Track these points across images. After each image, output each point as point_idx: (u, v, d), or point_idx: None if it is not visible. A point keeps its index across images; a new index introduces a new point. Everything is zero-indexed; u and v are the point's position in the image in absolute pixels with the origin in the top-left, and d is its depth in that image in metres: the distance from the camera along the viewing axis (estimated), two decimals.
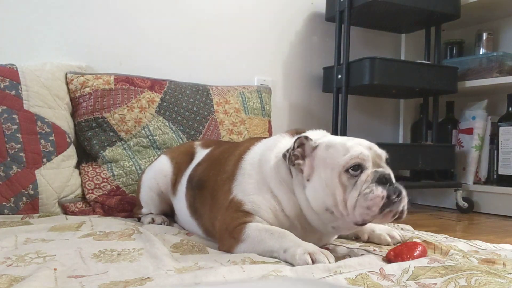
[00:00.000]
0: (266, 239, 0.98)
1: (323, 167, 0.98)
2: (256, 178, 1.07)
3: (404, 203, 0.96)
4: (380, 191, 0.93)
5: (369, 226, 1.20)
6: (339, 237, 1.22)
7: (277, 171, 1.05)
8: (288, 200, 1.04)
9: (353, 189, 0.94)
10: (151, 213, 1.45)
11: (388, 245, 1.15)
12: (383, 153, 1.01)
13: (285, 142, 1.10)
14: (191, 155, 1.42)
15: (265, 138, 1.20)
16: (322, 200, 0.98)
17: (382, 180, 0.94)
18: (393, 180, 0.96)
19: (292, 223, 1.05)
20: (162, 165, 1.43)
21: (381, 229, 1.20)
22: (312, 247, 0.94)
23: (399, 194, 0.94)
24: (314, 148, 1.01)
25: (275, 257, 0.95)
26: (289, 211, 1.04)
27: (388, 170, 0.98)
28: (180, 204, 1.33)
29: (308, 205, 1.01)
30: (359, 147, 0.97)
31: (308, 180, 1.00)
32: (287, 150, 1.02)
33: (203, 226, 1.22)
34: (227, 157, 1.19)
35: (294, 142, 1.01)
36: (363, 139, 1.03)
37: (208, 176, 1.22)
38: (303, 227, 1.05)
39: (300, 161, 1.01)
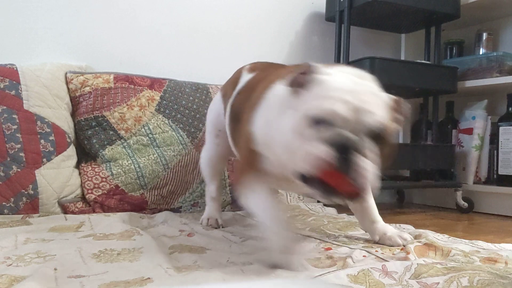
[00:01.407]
0: (265, 218, 1.00)
1: (301, 102, 0.87)
2: (276, 111, 0.96)
3: (361, 180, 0.79)
4: (329, 156, 0.77)
5: (382, 228, 1.19)
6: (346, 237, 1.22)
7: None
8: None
9: (303, 138, 0.82)
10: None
11: (399, 246, 1.13)
12: (374, 123, 0.81)
13: None
14: (236, 83, 1.32)
15: None
16: (285, 133, 0.87)
17: (340, 147, 0.78)
18: (357, 154, 0.78)
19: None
20: (214, 105, 1.47)
21: (393, 232, 1.19)
22: (287, 249, 0.92)
23: (351, 173, 0.78)
24: (312, 82, 0.88)
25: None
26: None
27: (358, 141, 0.79)
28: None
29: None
30: (339, 103, 0.80)
31: (295, 109, 0.89)
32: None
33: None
34: (259, 84, 1.09)
35: (301, 67, 0.90)
36: (374, 96, 0.86)
37: (241, 107, 1.13)
38: None
39: (298, 88, 0.90)
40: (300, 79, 0.88)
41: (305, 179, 0.82)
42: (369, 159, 0.80)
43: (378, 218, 1.23)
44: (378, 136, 0.82)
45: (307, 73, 0.88)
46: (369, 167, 0.79)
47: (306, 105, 0.84)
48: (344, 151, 0.78)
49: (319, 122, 0.81)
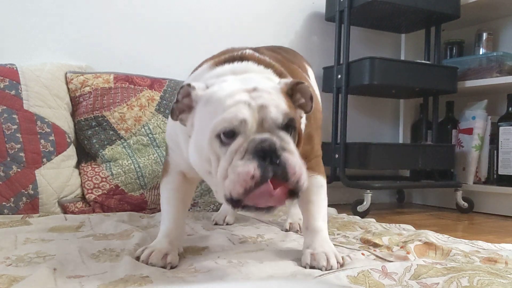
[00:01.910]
0: (162, 210, 1.03)
1: (199, 127, 0.82)
2: (182, 138, 0.93)
3: (291, 182, 0.75)
4: (250, 168, 0.73)
5: (310, 239, 0.99)
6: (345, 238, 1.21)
7: None
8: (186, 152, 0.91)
9: (223, 159, 0.77)
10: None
11: (320, 269, 0.92)
12: (277, 114, 0.77)
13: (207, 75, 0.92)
14: None
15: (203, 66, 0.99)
16: (200, 163, 0.83)
17: (258, 151, 0.74)
18: (278, 151, 0.74)
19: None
20: None
21: (325, 249, 0.97)
22: (160, 247, 0.94)
23: (280, 173, 0.74)
24: (197, 102, 0.84)
25: None
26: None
27: (273, 139, 0.75)
28: None
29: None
30: (237, 107, 0.77)
31: (190, 136, 0.86)
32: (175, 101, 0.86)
33: None
34: None
35: (178, 93, 0.85)
36: (264, 90, 0.80)
37: None
38: None
39: (184, 115, 0.86)
40: (180, 107, 0.85)
41: (235, 203, 0.76)
42: (292, 152, 0.77)
43: (314, 222, 1.01)
44: (288, 127, 0.79)
45: (185, 96, 0.85)
46: (296, 160, 0.76)
47: (206, 125, 0.79)
48: (265, 155, 0.74)
49: (227, 135, 0.77)
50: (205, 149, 0.79)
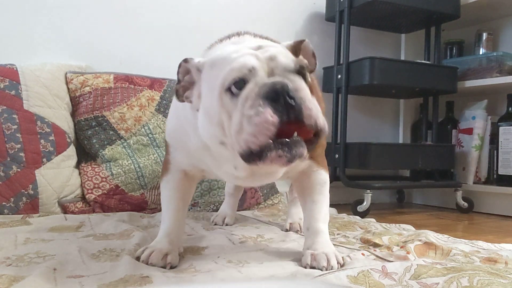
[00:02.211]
0: (163, 209, 1.02)
1: (208, 90, 0.79)
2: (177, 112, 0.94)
3: (310, 123, 0.70)
4: (266, 115, 0.68)
5: (311, 240, 0.97)
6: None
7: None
8: (194, 137, 0.88)
9: (235, 113, 0.73)
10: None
11: (320, 269, 0.90)
12: (287, 61, 0.75)
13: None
14: None
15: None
16: (211, 132, 0.79)
17: (271, 94, 0.70)
18: (292, 92, 0.70)
19: (214, 158, 0.88)
20: None
21: (325, 250, 0.95)
22: (160, 247, 0.92)
23: (297, 114, 0.70)
24: (200, 70, 0.83)
25: None
26: (198, 151, 0.90)
27: (285, 80, 0.72)
28: None
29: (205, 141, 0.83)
30: (244, 57, 0.75)
31: (198, 110, 0.83)
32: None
33: None
34: None
35: (178, 73, 0.84)
36: (269, 45, 0.79)
37: None
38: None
39: (189, 92, 0.84)
40: (184, 86, 0.84)
41: (256, 156, 0.71)
42: (308, 93, 0.73)
43: (315, 223, 0.98)
44: (300, 73, 0.75)
45: (185, 74, 0.83)
46: (313, 101, 0.72)
47: (215, 83, 0.76)
48: (278, 98, 0.70)
49: (237, 86, 0.73)
50: (216, 111, 0.76)
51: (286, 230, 1.32)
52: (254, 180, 0.90)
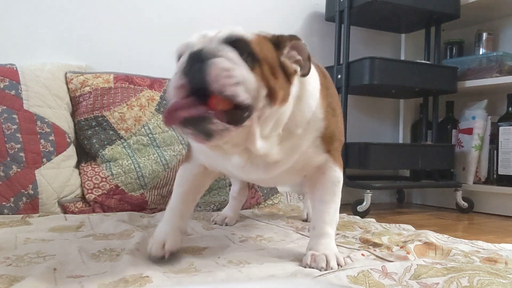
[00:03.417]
0: (173, 192, 1.05)
1: None
2: None
3: (215, 88, 0.68)
4: (174, 78, 0.71)
5: (315, 241, 0.97)
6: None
7: None
8: None
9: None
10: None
11: (319, 269, 0.89)
12: (224, 33, 0.76)
13: None
14: None
15: None
16: None
17: (183, 61, 0.72)
18: (203, 55, 0.71)
19: None
20: None
21: (327, 251, 0.93)
22: (158, 238, 0.96)
23: (198, 78, 0.69)
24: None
25: None
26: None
27: (211, 48, 0.73)
28: None
29: None
30: (191, 36, 0.81)
31: None
32: None
33: None
34: None
35: None
36: (234, 27, 0.80)
37: None
38: None
39: None
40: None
41: (174, 119, 0.70)
42: (229, 59, 0.72)
43: (322, 226, 0.97)
44: (235, 46, 0.74)
45: None
46: (229, 65, 0.70)
47: None
48: (188, 62, 0.71)
49: (178, 62, 0.75)
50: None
51: (304, 220, 1.39)
52: (263, 170, 0.89)
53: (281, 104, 0.80)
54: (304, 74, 0.85)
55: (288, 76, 0.82)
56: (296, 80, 0.86)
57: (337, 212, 1.00)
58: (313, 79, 0.91)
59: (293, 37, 0.84)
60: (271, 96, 0.77)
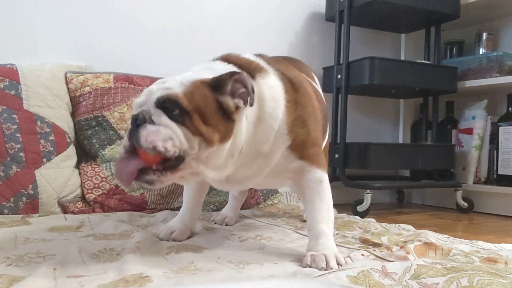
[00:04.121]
0: (184, 193, 1.23)
1: None
2: None
3: (146, 148, 0.83)
4: (123, 140, 0.87)
5: (313, 241, 0.98)
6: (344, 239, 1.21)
7: None
8: None
9: None
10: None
11: (320, 270, 0.89)
12: (156, 95, 0.87)
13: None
14: None
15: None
16: None
17: (132, 125, 0.86)
18: (138, 121, 0.85)
19: None
20: None
21: (327, 251, 0.94)
22: (171, 225, 1.17)
23: (135, 141, 0.84)
24: None
25: None
26: None
27: (140, 114, 0.86)
28: None
29: None
30: (141, 94, 0.91)
31: None
32: None
33: None
34: None
35: None
36: (171, 81, 0.90)
37: None
38: None
39: None
40: None
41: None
42: (160, 123, 0.84)
43: (316, 225, 0.99)
44: (164, 106, 0.85)
45: None
46: (156, 129, 0.83)
47: None
48: (132, 125, 0.85)
49: None
50: None
51: (304, 221, 1.41)
52: (238, 184, 1.04)
53: (221, 143, 0.89)
54: (251, 104, 0.91)
55: (229, 114, 0.89)
56: (256, 104, 0.93)
57: (331, 211, 1.02)
58: (274, 101, 0.97)
59: (234, 73, 0.90)
60: (206, 141, 0.86)
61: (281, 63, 1.13)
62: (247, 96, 0.89)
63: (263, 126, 0.96)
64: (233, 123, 0.90)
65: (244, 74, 0.90)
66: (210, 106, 0.88)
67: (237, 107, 0.90)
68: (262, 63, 1.02)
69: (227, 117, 0.89)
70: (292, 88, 1.02)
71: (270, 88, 0.97)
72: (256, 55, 1.07)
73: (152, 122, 0.84)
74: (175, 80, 0.89)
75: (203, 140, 0.86)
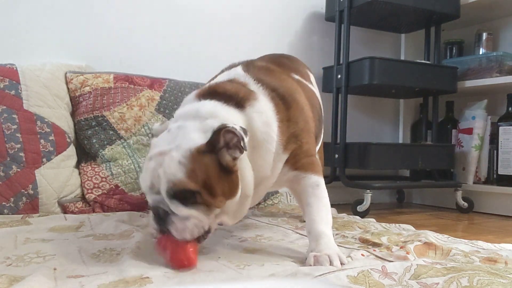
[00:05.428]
0: None
1: None
2: None
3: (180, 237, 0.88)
4: (151, 225, 0.92)
5: (314, 243, 0.99)
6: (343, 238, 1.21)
7: None
8: None
9: None
10: None
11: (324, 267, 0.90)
12: (167, 186, 0.87)
13: None
14: None
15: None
16: None
17: (154, 214, 0.91)
18: (160, 215, 0.89)
19: None
20: None
21: (329, 251, 0.95)
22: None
23: (167, 231, 0.89)
24: None
25: None
26: None
27: (159, 205, 0.89)
28: None
29: None
30: (143, 173, 0.92)
31: None
32: None
33: None
34: None
35: None
36: (168, 156, 0.88)
37: None
38: None
39: None
40: None
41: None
42: (179, 215, 0.87)
43: (316, 226, 0.99)
44: (179, 193, 0.87)
45: None
46: (176, 222, 0.88)
47: None
48: (155, 216, 0.90)
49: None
50: None
51: (304, 221, 1.36)
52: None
53: (232, 198, 0.92)
54: (245, 149, 0.91)
55: (230, 169, 0.90)
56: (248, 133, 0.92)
57: (329, 213, 1.03)
58: (266, 126, 0.98)
59: (221, 128, 0.88)
60: (219, 207, 0.91)
61: (274, 73, 1.12)
62: (240, 142, 0.89)
63: (259, 152, 0.98)
64: (237, 172, 0.92)
65: (231, 126, 0.88)
66: (213, 174, 0.88)
67: (234, 158, 0.90)
68: (251, 84, 1.03)
69: (230, 171, 0.90)
70: (284, 105, 1.04)
71: (261, 115, 0.98)
72: (246, 65, 1.09)
73: (173, 213, 0.88)
74: (172, 159, 0.87)
75: (217, 207, 0.91)
